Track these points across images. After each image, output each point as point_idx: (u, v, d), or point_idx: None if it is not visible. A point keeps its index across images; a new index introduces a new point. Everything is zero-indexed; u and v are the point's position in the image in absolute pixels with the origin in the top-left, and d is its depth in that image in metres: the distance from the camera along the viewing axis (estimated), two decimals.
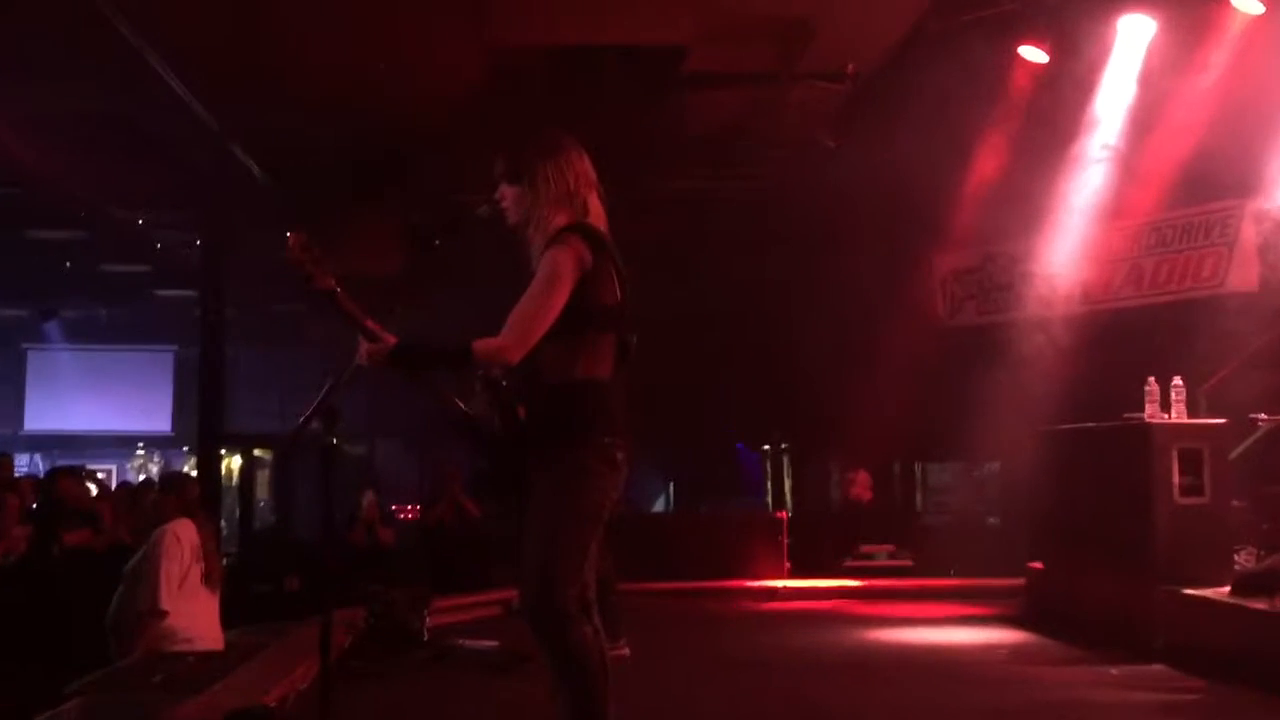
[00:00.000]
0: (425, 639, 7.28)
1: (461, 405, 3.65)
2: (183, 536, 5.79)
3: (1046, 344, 10.28)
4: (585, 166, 3.71)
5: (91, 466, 10.51)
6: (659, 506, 17.57)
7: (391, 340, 3.52)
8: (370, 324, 3.53)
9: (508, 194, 3.69)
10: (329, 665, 3.94)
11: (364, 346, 3.52)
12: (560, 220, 3.60)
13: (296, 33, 8.81)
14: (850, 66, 9.30)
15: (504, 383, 3.59)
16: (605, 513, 3.52)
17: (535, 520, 3.45)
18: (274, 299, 17.17)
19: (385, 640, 7.09)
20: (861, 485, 11.96)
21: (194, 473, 12.87)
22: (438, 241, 3.84)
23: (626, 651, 6.50)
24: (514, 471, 3.56)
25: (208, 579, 5.87)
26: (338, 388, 3.87)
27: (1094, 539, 7.37)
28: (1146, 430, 6.87)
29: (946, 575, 10.52)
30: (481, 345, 3.43)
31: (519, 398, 3.57)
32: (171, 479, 6.55)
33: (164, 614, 5.65)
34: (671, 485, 17.56)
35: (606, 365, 3.56)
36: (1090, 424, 7.57)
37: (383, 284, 9.70)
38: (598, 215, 3.68)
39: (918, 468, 13.26)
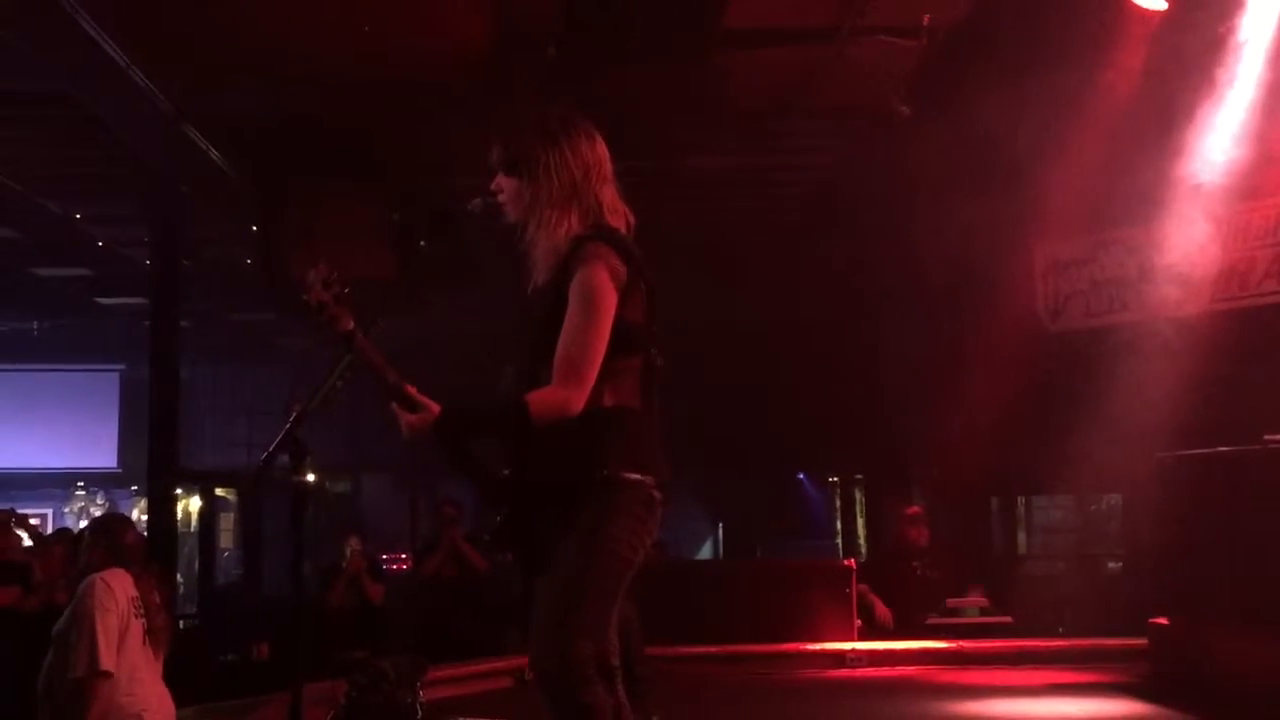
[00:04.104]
0: (419, 717, 7.31)
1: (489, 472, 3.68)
2: (115, 585, 5.82)
3: (1173, 351, 10.22)
4: (598, 154, 3.75)
5: (23, 511, 10.59)
6: (705, 552, 17.58)
7: (434, 406, 3.56)
8: (394, 377, 3.57)
9: (505, 186, 3.76)
10: None
11: (403, 419, 3.56)
12: (571, 222, 3.67)
13: None
14: (926, 18, 9.31)
15: None
16: (637, 561, 3.60)
17: (554, 569, 3.53)
18: (238, 307, 17.29)
19: (371, 719, 7.16)
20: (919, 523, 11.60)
21: (144, 516, 12.96)
22: (423, 242, 3.87)
23: None
24: (529, 521, 3.64)
25: (151, 637, 5.90)
26: (305, 414, 3.88)
27: (1231, 588, 7.36)
28: None
29: (1054, 634, 10.47)
30: (538, 401, 3.50)
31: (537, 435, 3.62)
32: (101, 522, 6.56)
33: (107, 675, 5.67)
34: (720, 527, 17.59)
35: (636, 391, 3.66)
36: (1225, 449, 7.55)
37: (374, 287, 9.75)
38: (614, 212, 3.74)
39: (1020, 502, 13.21)
